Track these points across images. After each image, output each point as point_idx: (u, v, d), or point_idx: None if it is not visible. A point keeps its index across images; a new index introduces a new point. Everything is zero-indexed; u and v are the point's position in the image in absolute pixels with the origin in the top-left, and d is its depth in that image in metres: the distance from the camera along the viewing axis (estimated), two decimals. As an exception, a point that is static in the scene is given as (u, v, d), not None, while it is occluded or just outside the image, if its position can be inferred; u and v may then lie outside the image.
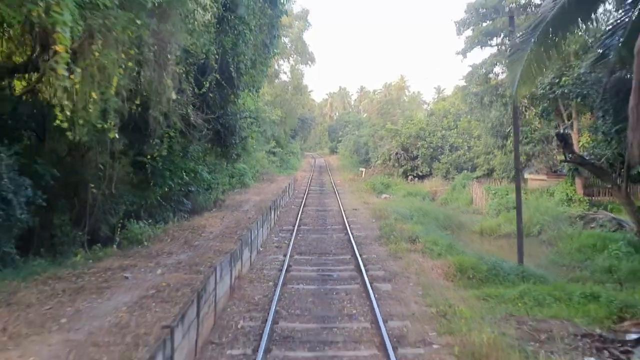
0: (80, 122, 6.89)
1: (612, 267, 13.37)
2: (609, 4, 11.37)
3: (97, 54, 6.39)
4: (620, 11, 11.04)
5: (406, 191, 33.09)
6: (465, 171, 34.20)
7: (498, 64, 27.64)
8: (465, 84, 32.37)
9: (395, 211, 22.15)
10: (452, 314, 8.83)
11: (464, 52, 28.38)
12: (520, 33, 11.69)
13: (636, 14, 10.10)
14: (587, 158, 17.54)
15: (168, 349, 5.66)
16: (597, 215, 20.28)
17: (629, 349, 8.32)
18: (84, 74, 6.26)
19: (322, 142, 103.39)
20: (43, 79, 7.25)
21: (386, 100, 64.36)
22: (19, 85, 10.96)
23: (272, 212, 19.32)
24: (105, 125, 8.06)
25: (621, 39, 11.45)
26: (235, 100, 15.50)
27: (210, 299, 8.01)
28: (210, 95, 13.14)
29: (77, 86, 6.24)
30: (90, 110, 6.77)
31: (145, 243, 11.74)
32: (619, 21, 11.10)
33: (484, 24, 26.33)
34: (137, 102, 9.36)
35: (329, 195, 31.84)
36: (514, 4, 23.89)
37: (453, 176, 35.18)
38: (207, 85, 12.26)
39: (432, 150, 38.92)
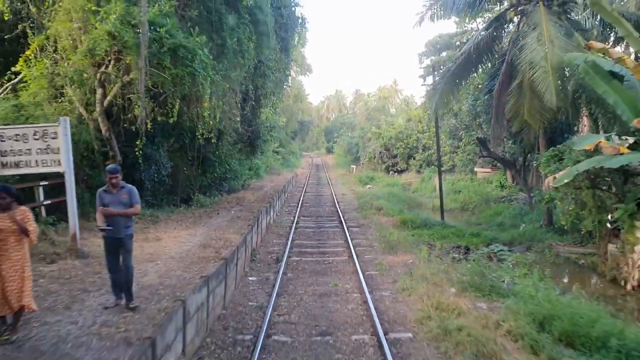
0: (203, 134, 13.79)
1: (502, 223, 20.29)
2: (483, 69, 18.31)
3: (213, 102, 13.16)
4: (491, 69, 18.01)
5: (386, 182, 39.95)
6: (433, 166, 41.04)
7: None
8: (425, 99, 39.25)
9: (373, 195, 29.08)
10: (389, 237, 15.73)
11: (423, 77, 35.49)
12: (437, 77, 18.68)
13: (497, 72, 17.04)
14: (500, 155, 24.50)
15: (250, 236, 12.56)
16: (517, 196, 27.22)
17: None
18: (207, 113, 13.06)
19: (319, 142, 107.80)
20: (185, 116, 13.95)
21: (373, 107, 71.43)
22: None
23: (283, 194, 26.21)
24: (211, 135, 14.94)
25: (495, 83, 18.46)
26: (260, 115, 22.43)
27: (259, 226, 14.92)
28: (248, 114, 20.05)
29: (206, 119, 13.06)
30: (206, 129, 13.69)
31: (210, 206, 18.65)
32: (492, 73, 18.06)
33: (441, 55, 33.37)
34: (223, 123, 16.20)
35: (324, 185, 38.80)
36: (462, 40, 30.82)
37: (425, 170, 42.09)
38: (247, 108, 19.19)
39: (408, 149, 45.72)
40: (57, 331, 6.16)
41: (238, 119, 16.54)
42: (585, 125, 24.15)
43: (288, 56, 22.42)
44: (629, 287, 11.83)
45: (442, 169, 40.77)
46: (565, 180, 11.58)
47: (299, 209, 22.94)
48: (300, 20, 21.82)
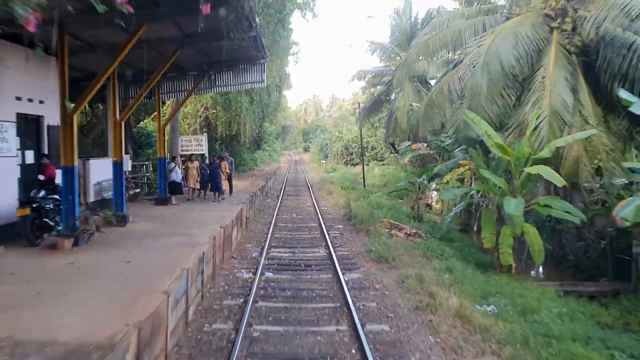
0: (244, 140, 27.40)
1: (397, 189, 34.82)
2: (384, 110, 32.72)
3: (249, 125, 26.74)
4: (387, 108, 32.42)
5: (344, 172, 53.92)
6: (376, 161, 55.57)
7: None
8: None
9: (332, 177, 43.39)
10: (331, 190, 29.91)
11: (365, 103, 50.01)
12: (363, 109, 33.04)
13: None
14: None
15: (266, 185, 26.67)
16: (419, 178, 41.84)
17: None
18: (247, 130, 26.58)
19: (297, 142, 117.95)
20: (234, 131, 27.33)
21: (339, 116, 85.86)
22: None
23: (274, 175, 40.32)
24: (245, 139, 28.47)
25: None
26: (263, 126, 36.28)
27: (267, 185, 28.99)
28: (258, 126, 33.84)
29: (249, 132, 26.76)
30: (245, 137, 27.50)
31: (237, 177, 32.49)
32: (388, 110, 32.41)
33: (377, 88, 47.91)
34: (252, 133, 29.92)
35: (301, 173, 52.91)
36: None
37: (370, 163, 56.58)
38: (258, 123, 33.02)
39: (361, 149, 60.31)
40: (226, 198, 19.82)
41: (256, 131, 30.34)
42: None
43: (281, 93, 36.30)
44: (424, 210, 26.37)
45: (382, 162, 56.04)
46: (406, 160, 26.07)
47: (284, 183, 36.98)
48: (288, 74, 35.93)
